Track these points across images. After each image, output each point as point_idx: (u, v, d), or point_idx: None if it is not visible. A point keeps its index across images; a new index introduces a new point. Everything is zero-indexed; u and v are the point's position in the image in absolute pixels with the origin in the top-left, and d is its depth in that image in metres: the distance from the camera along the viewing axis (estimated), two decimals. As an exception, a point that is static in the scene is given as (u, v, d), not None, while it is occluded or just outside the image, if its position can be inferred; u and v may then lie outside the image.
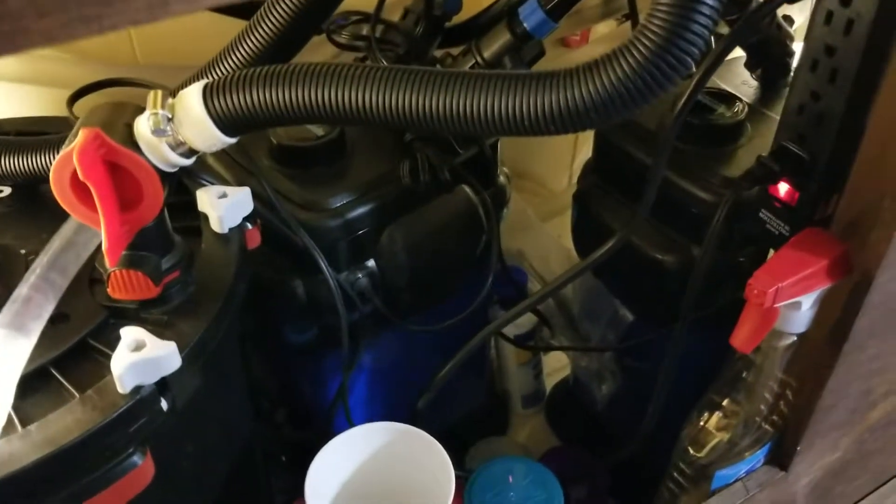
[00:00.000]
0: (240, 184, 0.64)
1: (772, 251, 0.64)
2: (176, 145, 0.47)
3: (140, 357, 0.46)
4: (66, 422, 0.45)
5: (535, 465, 0.71)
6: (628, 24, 0.97)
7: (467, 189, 0.73)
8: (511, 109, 0.42)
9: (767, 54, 0.78)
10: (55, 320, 0.50)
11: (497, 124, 0.43)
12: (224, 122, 0.46)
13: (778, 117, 0.72)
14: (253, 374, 0.77)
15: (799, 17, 0.83)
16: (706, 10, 0.39)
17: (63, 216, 0.53)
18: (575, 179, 0.84)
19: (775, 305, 0.54)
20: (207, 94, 0.46)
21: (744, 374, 0.64)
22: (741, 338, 0.57)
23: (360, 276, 0.70)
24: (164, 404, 0.48)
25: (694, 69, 0.64)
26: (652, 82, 0.40)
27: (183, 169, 0.52)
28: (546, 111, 0.42)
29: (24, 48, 0.19)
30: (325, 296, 0.68)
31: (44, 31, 0.19)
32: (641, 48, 0.40)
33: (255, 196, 0.59)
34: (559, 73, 0.42)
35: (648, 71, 0.40)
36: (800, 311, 0.57)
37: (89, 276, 0.53)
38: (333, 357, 0.74)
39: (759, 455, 0.68)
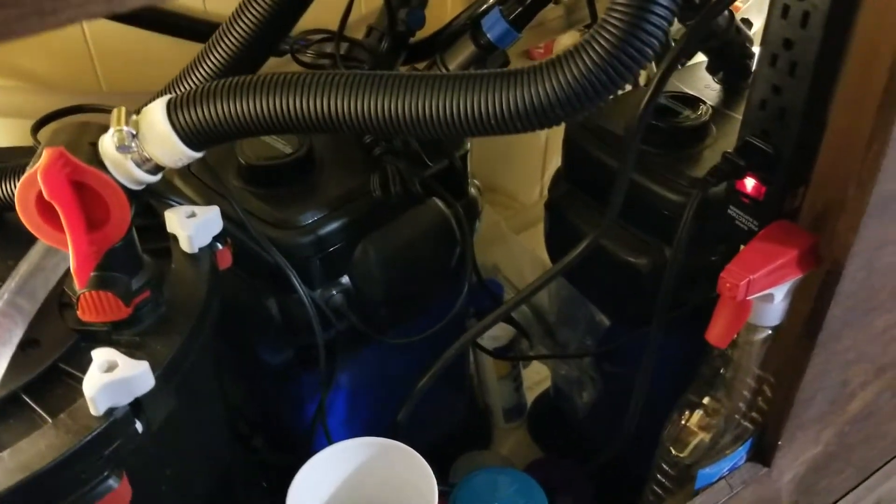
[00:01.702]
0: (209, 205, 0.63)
1: (742, 248, 0.64)
2: (142, 162, 0.46)
3: (112, 378, 0.45)
4: (39, 447, 0.45)
5: (519, 475, 0.71)
6: (590, 34, 0.99)
7: (439, 202, 0.73)
8: (478, 108, 0.42)
9: (728, 57, 0.79)
10: (25, 346, 0.49)
11: (465, 124, 0.43)
12: (189, 136, 0.46)
13: (741, 117, 0.74)
14: (230, 399, 0.76)
15: (757, 20, 0.85)
16: (663, 3, 0.39)
17: (28, 243, 0.52)
18: (546, 192, 0.85)
19: (748, 298, 0.54)
20: (171, 108, 0.46)
21: (722, 371, 0.65)
22: (716, 332, 0.58)
23: (334, 292, 0.69)
24: (138, 426, 0.48)
25: (653, 65, 0.65)
26: (614, 75, 0.41)
27: (150, 191, 0.51)
28: (512, 108, 0.42)
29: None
30: (299, 314, 0.67)
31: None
32: (603, 42, 0.40)
33: (226, 217, 0.58)
34: (523, 71, 0.42)
35: (610, 64, 0.40)
36: (773, 304, 0.58)
37: (59, 301, 0.53)
38: (311, 376, 0.74)
39: (742, 452, 0.68)
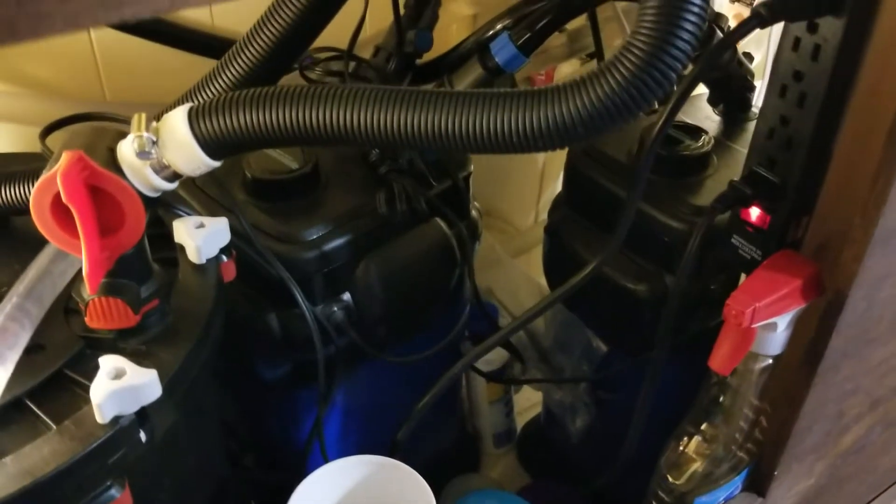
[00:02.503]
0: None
1: (743, 277, 0.65)
2: (160, 169, 0.46)
3: (120, 385, 0.45)
4: (43, 453, 0.44)
5: (512, 499, 0.71)
6: (592, 63, 1.00)
7: (441, 222, 0.74)
8: (501, 126, 0.43)
9: (729, 90, 0.80)
10: (30, 351, 0.49)
11: (487, 141, 0.43)
12: (209, 145, 0.46)
13: (741, 149, 0.75)
14: (223, 416, 0.76)
15: (758, 54, 0.86)
16: (689, 28, 0.40)
17: (35, 248, 0.52)
18: (542, 217, 0.86)
19: (753, 325, 0.55)
20: (193, 116, 0.46)
21: (721, 399, 0.65)
22: (719, 359, 0.58)
23: (335, 308, 0.69)
24: (143, 435, 0.47)
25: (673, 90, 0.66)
26: (638, 96, 0.41)
27: (159, 201, 0.51)
28: (535, 127, 0.42)
29: (46, 34, 0.19)
30: (300, 329, 0.67)
31: (67, 15, 0.19)
32: (628, 64, 0.41)
33: (231, 230, 0.58)
34: (547, 90, 0.43)
35: (635, 85, 0.41)
36: (775, 333, 0.58)
37: (65, 307, 0.52)
38: (307, 393, 0.73)
39: (737, 481, 0.69)
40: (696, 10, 0.40)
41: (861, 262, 0.54)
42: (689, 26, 0.40)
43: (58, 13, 0.19)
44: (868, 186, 0.52)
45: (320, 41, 0.72)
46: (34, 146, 0.66)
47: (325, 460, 0.66)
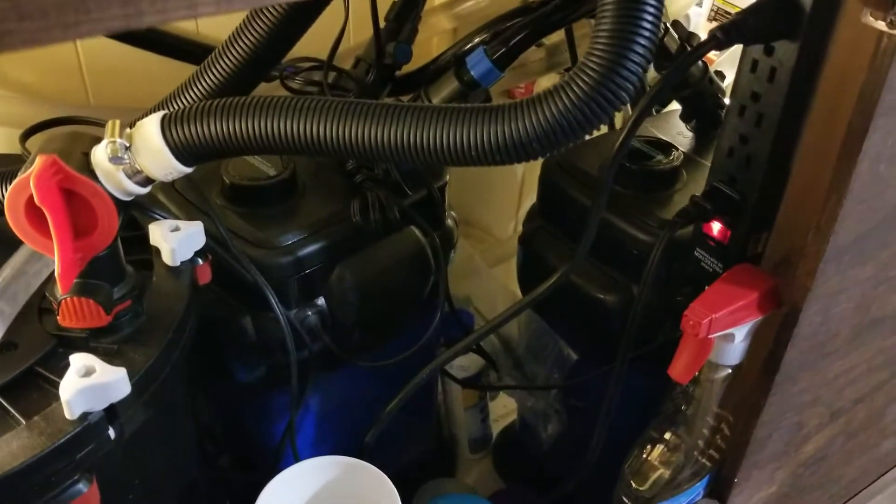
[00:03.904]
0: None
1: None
2: (132, 174, 0.48)
3: (89, 382, 0.46)
4: (12, 447, 0.45)
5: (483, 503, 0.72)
6: (570, 77, 1.02)
7: (416, 230, 0.75)
8: (460, 140, 0.44)
9: (701, 107, 0.82)
10: (3, 348, 0.50)
11: (447, 154, 0.45)
12: (181, 152, 0.47)
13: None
14: (198, 417, 0.77)
15: (730, 73, 0.88)
16: (639, 50, 0.42)
17: (11, 248, 0.53)
18: (521, 227, 0.87)
19: (710, 336, 0.57)
20: (166, 124, 0.47)
21: (683, 408, 0.67)
22: (679, 369, 0.59)
23: (309, 313, 0.71)
24: (111, 432, 0.48)
25: (629, 108, 0.68)
26: (591, 114, 0.43)
27: (135, 203, 0.52)
28: (492, 142, 0.44)
29: (5, 49, 0.21)
30: (274, 333, 0.68)
31: (25, 32, 0.21)
32: (581, 83, 0.43)
33: (207, 234, 0.60)
34: (504, 106, 0.44)
35: (587, 104, 0.43)
36: (733, 344, 0.60)
37: (39, 306, 0.54)
38: (281, 395, 0.74)
39: (699, 487, 0.70)
40: (646, 33, 0.42)
41: (814, 277, 0.56)
42: (639, 49, 0.42)
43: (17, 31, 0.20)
44: (821, 204, 0.53)
45: (302, 50, 0.73)
46: (15, 148, 0.67)
47: (297, 461, 0.67)
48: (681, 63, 0.62)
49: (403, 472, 0.95)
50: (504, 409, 1.12)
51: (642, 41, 0.42)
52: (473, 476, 1.05)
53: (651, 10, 0.42)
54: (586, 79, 0.42)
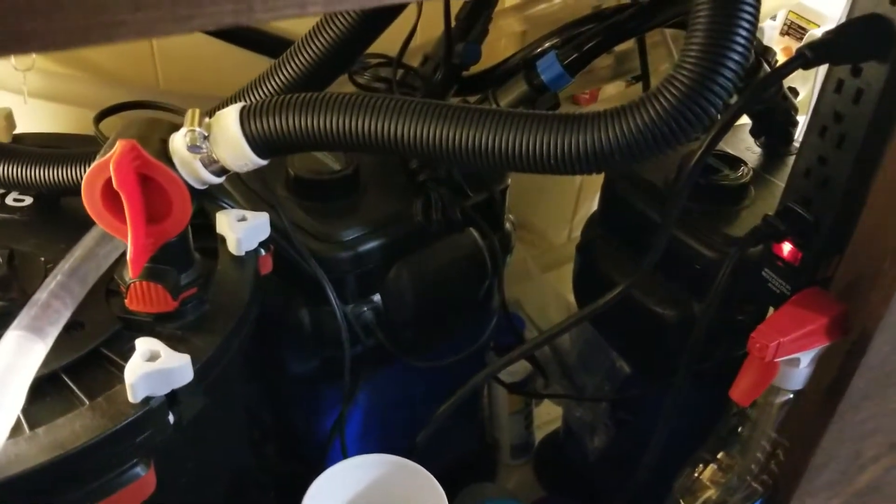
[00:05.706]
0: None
1: (771, 310, 0.65)
2: (209, 163, 0.48)
3: (154, 367, 0.47)
4: (74, 427, 0.46)
5: (525, 511, 0.71)
6: (637, 86, 1.00)
7: (475, 232, 0.75)
8: (540, 147, 0.44)
9: (772, 123, 0.80)
10: (70, 328, 0.51)
11: (525, 160, 0.44)
12: (258, 144, 0.48)
13: (780, 183, 0.75)
14: (250, 406, 0.77)
15: (803, 89, 0.86)
16: (732, 66, 0.41)
17: (82, 228, 0.54)
18: (575, 234, 0.86)
19: (775, 360, 0.55)
20: (244, 115, 0.48)
21: (739, 429, 0.65)
22: (740, 390, 0.58)
23: (365, 309, 0.71)
24: (171, 417, 0.49)
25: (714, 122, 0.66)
26: (677, 128, 0.42)
27: (206, 192, 0.53)
28: (573, 151, 0.43)
29: (118, 40, 0.21)
30: (329, 327, 0.69)
31: (139, 24, 0.21)
32: (670, 95, 0.42)
33: (271, 225, 0.60)
34: (588, 115, 0.44)
35: (675, 118, 0.42)
36: (798, 369, 0.59)
37: (106, 288, 0.54)
38: (331, 390, 0.75)
39: (750, 512, 0.69)
40: (740, 48, 0.41)
41: (888, 305, 0.54)
42: (732, 64, 0.41)
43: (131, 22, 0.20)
44: (900, 231, 0.52)
45: (372, 47, 0.73)
46: (87, 128, 0.68)
47: (345, 456, 0.67)
48: (766, 79, 0.60)
49: (444, 473, 0.95)
50: (548, 416, 1.11)
51: (736, 56, 0.41)
52: (513, 482, 1.05)
53: (746, 23, 0.40)
54: (675, 92, 0.42)
